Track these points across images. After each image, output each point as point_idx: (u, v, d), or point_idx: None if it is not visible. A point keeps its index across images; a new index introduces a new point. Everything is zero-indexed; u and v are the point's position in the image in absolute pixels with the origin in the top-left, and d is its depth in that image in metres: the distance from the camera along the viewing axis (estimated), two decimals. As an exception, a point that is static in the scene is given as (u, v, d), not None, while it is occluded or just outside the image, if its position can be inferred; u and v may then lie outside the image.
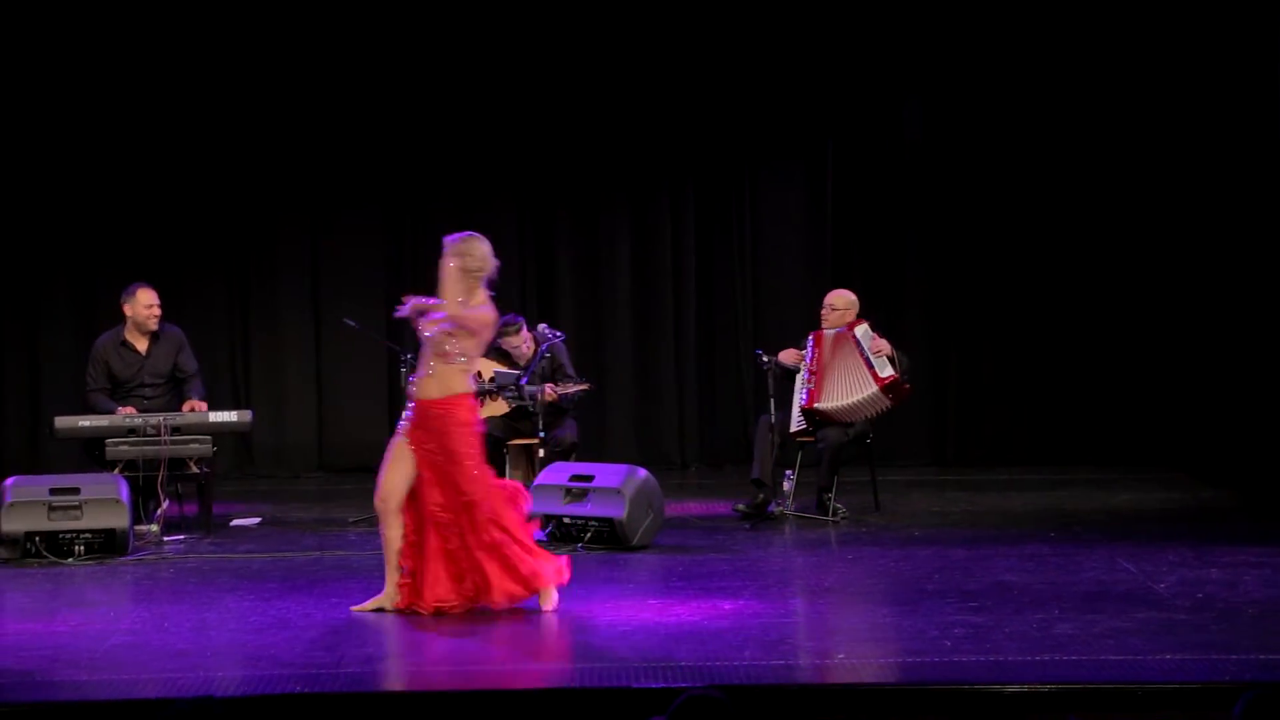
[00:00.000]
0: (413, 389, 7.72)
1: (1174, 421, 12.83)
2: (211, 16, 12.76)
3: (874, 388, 10.18)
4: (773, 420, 10.29)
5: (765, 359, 10.46)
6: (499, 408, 10.51)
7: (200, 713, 4.68)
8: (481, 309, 7.67)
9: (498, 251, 12.90)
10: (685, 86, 13.17)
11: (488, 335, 7.77)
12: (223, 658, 6.82)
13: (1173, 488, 11.69)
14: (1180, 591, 7.80)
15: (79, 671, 6.55)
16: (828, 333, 10.41)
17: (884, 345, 10.26)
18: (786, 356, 10.47)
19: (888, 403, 10.27)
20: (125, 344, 10.28)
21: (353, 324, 11.12)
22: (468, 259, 7.67)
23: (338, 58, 12.95)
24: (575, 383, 10.49)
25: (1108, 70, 12.95)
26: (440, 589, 7.56)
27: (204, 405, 10.10)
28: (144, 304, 10.25)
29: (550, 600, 7.57)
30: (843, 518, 10.13)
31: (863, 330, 10.31)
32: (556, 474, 9.55)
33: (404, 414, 7.76)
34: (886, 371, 10.20)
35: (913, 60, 13.13)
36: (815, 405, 10.29)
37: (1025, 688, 6.08)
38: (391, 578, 7.65)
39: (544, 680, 6.47)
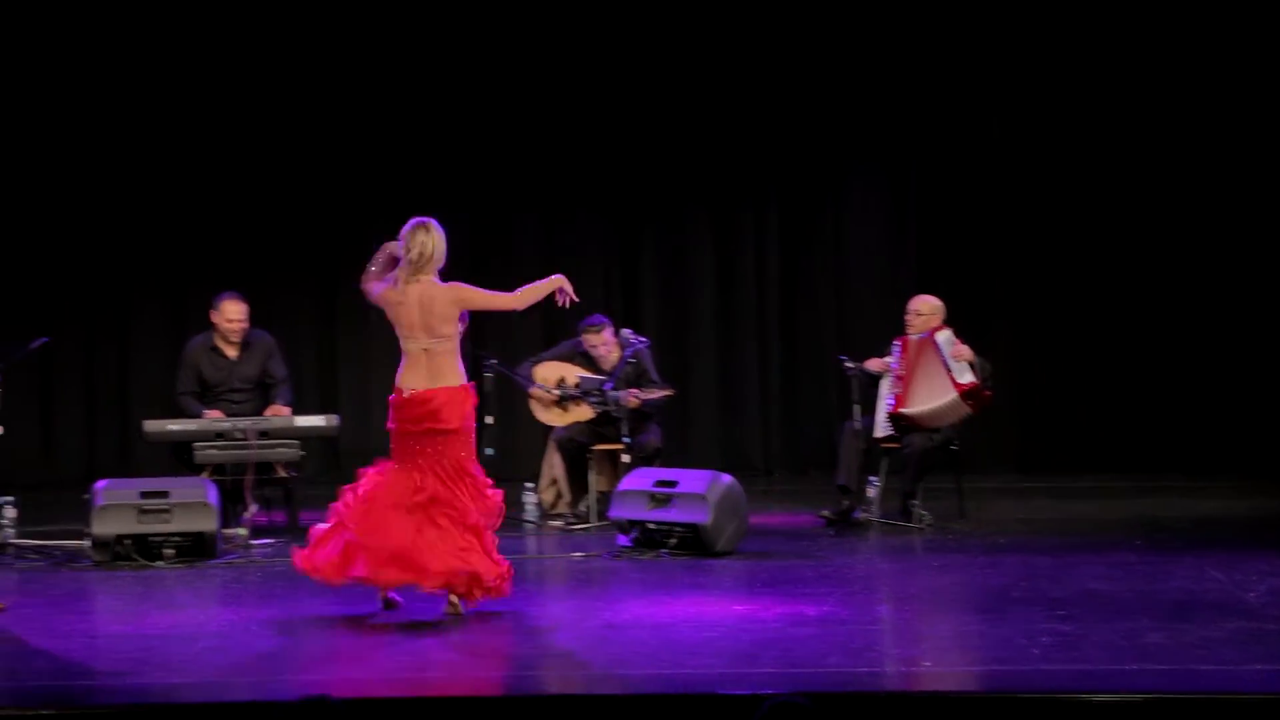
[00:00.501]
0: None
1: (1262, 429, 12.71)
2: (310, 28, 12.91)
3: (954, 394, 10.13)
4: (858, 426, 10.27)
5: (849, 365, 10.43)
6: (584, 413, 10.52)
7: (315, 713, 4.69)
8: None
9: (581, 258, 13.21)
10: (772, 94, 13.21)
11: (391, 315, 7.71)
12: (310, 661, 6.89)
13: (1261, 495, 11.57)
14: (1271, 601, 7.71)
15: (170, 674, 6.61)
16: (912, 338, 10.37)
17: (965, 351, 10.20)
18: (873, 364, 10.45)
19: (968, 408, 10.20)
20: (215, 349, 10.36)
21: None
22: (406, 250, 7.75)
23: (430, 70, 13.08)
24: (659, 388, 10.50)
25: (1198, 79, 12.87)
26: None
27: (288, 410, 10.15)
28: (227, 317, 10.31)
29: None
30: (928, 524, 10.08)
31: (945, 336, 10.26)
32: (641, 479, 9.55)
33: None
34: (966, 378, 10.14)
35: (999, 68, 13.10)
36: (901, 410, 10.25)
37: (1114, 697, 6.03)
38: None
39: (628, 687, 6.46)
